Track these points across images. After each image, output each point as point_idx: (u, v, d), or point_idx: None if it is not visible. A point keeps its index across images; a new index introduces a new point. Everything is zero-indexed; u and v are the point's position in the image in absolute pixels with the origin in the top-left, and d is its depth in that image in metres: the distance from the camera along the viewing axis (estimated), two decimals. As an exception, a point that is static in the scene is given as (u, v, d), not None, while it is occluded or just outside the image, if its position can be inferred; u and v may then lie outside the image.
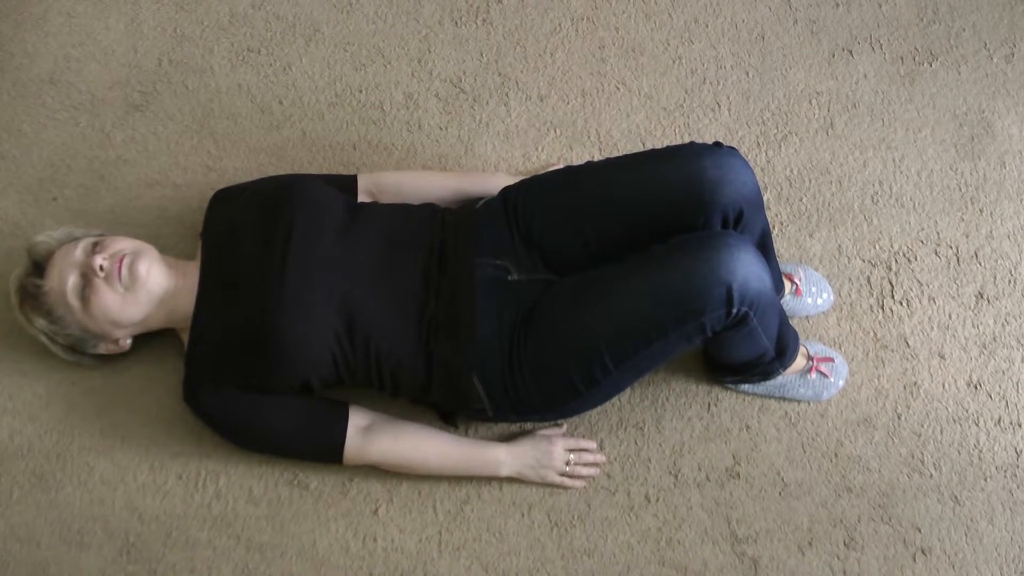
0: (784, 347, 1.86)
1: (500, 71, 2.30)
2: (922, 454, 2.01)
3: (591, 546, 1.94)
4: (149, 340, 1.98)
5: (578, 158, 2.21)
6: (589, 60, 2.31)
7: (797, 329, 1.94)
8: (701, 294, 1.62)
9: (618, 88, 2.28)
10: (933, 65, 2.30)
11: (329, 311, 1.76)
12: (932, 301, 2.11)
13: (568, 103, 2.27)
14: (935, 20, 2.36)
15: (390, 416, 1.94)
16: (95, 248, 1.81)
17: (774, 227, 2.14)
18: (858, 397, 2.04)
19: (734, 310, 1.63)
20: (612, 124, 2.25)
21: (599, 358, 1.71)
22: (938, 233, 2.16)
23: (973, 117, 2.25)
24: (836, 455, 2.00)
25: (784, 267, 2.06)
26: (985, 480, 2.00)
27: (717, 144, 1.79)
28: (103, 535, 1.94)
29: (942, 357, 2.07)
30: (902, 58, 2.31)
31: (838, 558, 1.94)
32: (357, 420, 1.89)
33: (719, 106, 2.26)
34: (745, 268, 1.62)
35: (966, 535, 1.96)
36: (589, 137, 2.24)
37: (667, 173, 1.76)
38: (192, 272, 1.87)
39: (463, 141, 2.24)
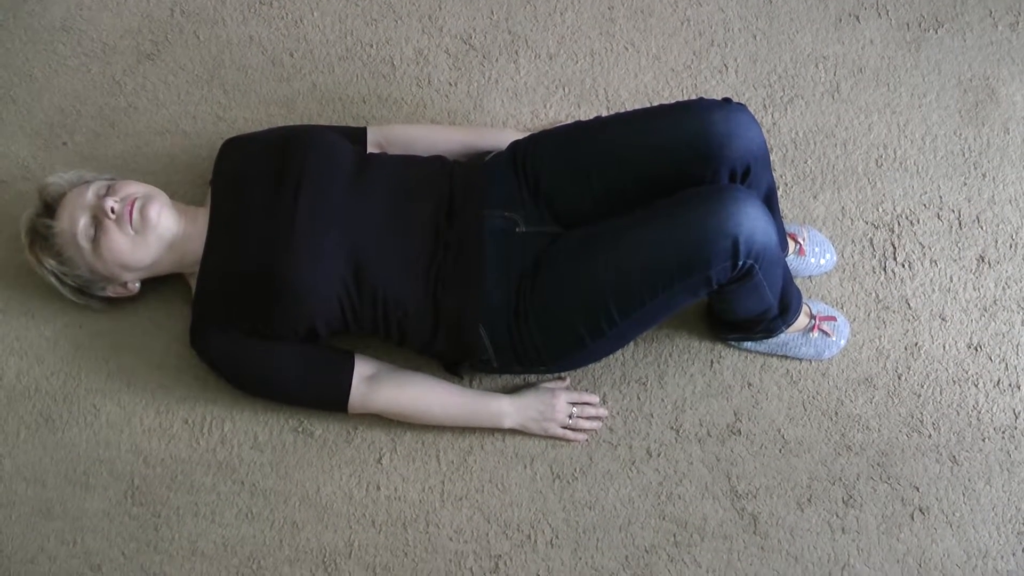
0: (788, 304, 1.83)
1: (510, 29, 2.25)
2: (921, 414, 1.98)
3: (592, 499, 1.92)
4: (157, 285, 1.93)
5: (586, 117, 2.15)
6: (598, 20, 2.26)
7: (800, 289, 1.91)
8: (707, 246, 1.59)
9: (627, 48, 2.24)
10: (939, 32, 2.25)
11: (338, 259, 1.72)
12: (934, 264, 2.07)
13: (577, 62, 2.22)
14: (941, -11, 2.33)
15: (395, 366, 1.91)
16: (107, 191, 1.77)
17: (779, 188, 2.08)
18: (859, 357, 2.00)
19: (740, 263, 1.60)
20: (620, 84, 2.21)
21: (605, 309, 1.68)
22: (941, 197, 2.12)
23: (977, 83, 2.21)
24: (836, 414, 1.97)
25: (788, 227, 2.02)
26: (983, 441, 1.96)
27: (726, 100, 1.75)
28: (108, 477, 1.91)
29: (943, 319, 2.04)
30: (908, 24, 2.26)
31: (837, 515, 1.91)
32: (362, 369, 1.86)
33: (726, 68, 2.22)
34: (751, 221, 1.59)
35: (964, 495, 1.93)
36: (597, 96, 2.20)
37: (676, 127, 1.73)
38: (201, 218, 1.83)
39: (472, 97, 2.19)
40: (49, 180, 1.83)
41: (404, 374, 1.90)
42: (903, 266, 2.06)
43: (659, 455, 1.94)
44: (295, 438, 1.94)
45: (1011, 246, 2.08)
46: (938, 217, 2.10)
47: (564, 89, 2.20)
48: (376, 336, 1.83)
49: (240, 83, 2.18)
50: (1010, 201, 2.11)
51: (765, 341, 1.97)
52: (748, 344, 1.99)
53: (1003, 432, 1.97)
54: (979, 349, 2.02)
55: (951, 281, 2.06)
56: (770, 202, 1.85)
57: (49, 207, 1.81)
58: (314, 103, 2.17)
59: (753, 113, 2.14)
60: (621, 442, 1.95)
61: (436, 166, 1.88)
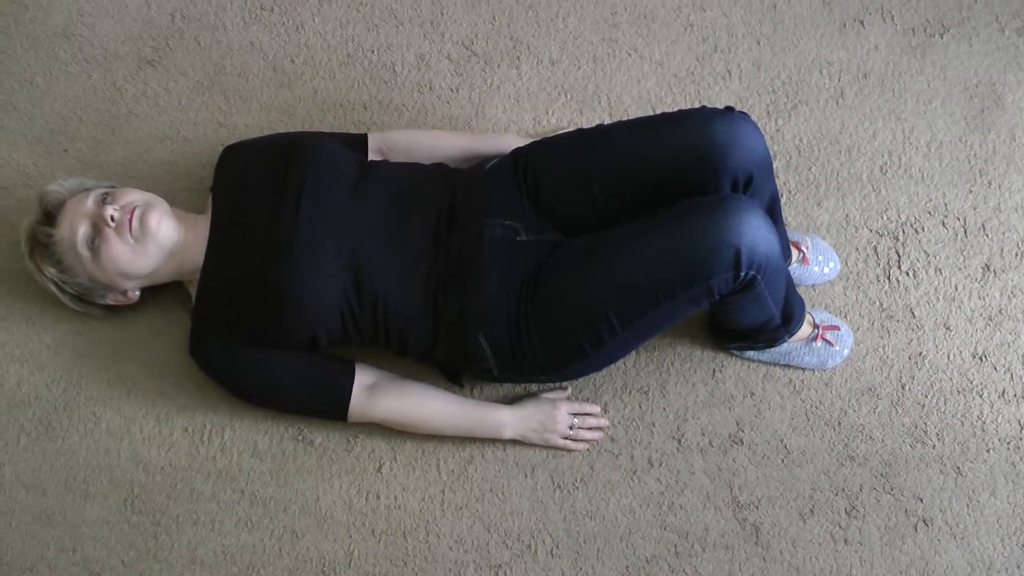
0: (790, 314, 1.80)
1: (512, 34, 2.22)
2: (925, 424, 1.95)
3: (593, 509, 1.89)
4: (157, 293, 1.91)
5: (588, 123, 2.12)
6: (601, 26, 2.23)
7: (803, 297, 1.88)
8: (709, 256, 1.57)
9: (629, 54, 2.21)
10: (944, 37, 2.22)
11: (338, 266, 1.70)
12: (939, 272, 2.04)
13: (579, 68, 2.19)
14: (947, -7, 2.29)
15: (396, 375, 1.89)
16: (106, 199, 1.75)
17: (782, 195, 2.05)
18: (863, 366, 1.97)
19: (742, 273, 1.58)
20: (623, 90, 2.18)
21: (606, 319, 1.65)
22: (946, 205, 2.09)
23: (984, 90, 2.17)
24: (840, 424, 1.94)
25: (791, 235, 1.99)
26: (988, 452, 1.93)
27: (728, 108, 1.72)
28: (108, 485, 1.90)
29: (947, 328, 2.01)
30: (913, 29, 2.22)
31: (839, 526, 1.89)
32: (363, 378, 1.84)
33: (730, 74, 2.19)
34: (753, 232, 1.57)
35: (968, 506, 1.90)
36: (599, 102, 2.17)
37: (678, 136, 1.70)
38: (202, 226, 1.81)
39: (473, 103, 2.17)
40: (49, 188, 1.81)
41: (405, 383, 1.88)
42: (908, 275, 2.04)
43: (661, 465, 1.92)
44: (295, 447, 1.92)
45: (1017, 255, 2.05)
46: (943, 225, 2.07)
47: (566, 95, 2.17)
48: (377, 345, 1.80)
49: (241, 89, 2.16)
50: (1016, 209, 2.08)
51: (768, 350, 1.94)
52: (751, 353, 1.96)
53: (1008, 443, 1.94)
54: (984, 359, 1.99)
55: (956, 290, 2.03)
56: (773, 211, 1.82)
57: (49, 215, 1.79)
58: (315, 109, 2.14)
59: (756, 120, 2.11)
60: (622, 452, 1.93)
61: (437, 173, 1.86)
